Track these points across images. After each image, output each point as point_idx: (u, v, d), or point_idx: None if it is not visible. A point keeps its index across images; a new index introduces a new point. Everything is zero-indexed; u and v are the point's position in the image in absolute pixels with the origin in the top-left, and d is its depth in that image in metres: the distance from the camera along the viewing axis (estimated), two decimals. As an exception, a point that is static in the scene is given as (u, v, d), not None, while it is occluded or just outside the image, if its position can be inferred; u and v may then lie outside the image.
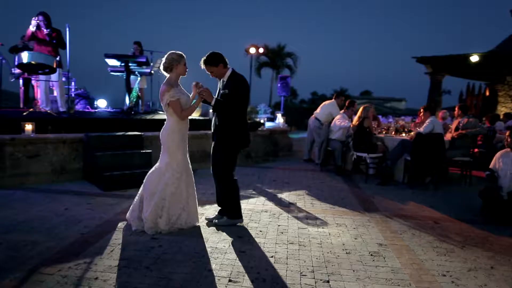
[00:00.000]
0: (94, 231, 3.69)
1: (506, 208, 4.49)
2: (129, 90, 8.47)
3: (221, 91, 3.85)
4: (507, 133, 4.62)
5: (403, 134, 7.25)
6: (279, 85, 12.43)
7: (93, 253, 3.16)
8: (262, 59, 27.93)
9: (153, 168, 3.86)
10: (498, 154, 4.85)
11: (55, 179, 5.64)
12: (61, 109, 7.28)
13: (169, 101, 3.67)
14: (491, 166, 4.87)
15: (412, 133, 6.70)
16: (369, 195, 5.65)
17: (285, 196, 5.43)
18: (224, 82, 3.84)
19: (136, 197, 3.90)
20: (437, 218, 4.63)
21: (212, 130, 3.96)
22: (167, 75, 3.77)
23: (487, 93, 17.44)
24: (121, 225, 3.90)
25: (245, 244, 3.52)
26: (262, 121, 8.35)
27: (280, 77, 12.57)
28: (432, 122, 6.17)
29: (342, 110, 7.81)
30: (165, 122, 3.83)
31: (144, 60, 8.38)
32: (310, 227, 4.08)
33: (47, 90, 7.23)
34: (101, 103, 10.33)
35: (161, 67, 3.76)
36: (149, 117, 7.73)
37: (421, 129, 6.23)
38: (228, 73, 3.82)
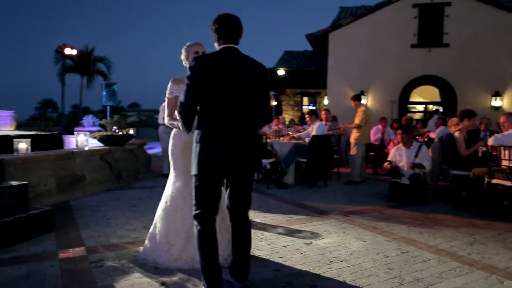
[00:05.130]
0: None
1: (408, 190, 5.40)
2: None
3: None
4: (399, 131, 5.63)
5: (281, 138, 7.59)
6: (104, 93, 10.64)
7: None
8: (68, 63, 22.99)
9: None
10: (393, 149, 5.82)
11: None
12: None
13: (166, 97, 2.90)
14: (389, 158, 5.77)
15: (299, 134, 7.09)
16: (293, 199, 5.61)
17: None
18: None
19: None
20: (374, 210, 5.06)
21: None
22: None
23: (274, 102, 20.59)
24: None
25: (300, 277, 2.84)
26: (132, 132, 6.87)
27: (105, 84, 10.79)
28: (321, 125, 6.73)
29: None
30: None
31: None
32: (314, 241, 3.70)
33: None
34: None
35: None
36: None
37: (314, 132, 6.68)
38: None
